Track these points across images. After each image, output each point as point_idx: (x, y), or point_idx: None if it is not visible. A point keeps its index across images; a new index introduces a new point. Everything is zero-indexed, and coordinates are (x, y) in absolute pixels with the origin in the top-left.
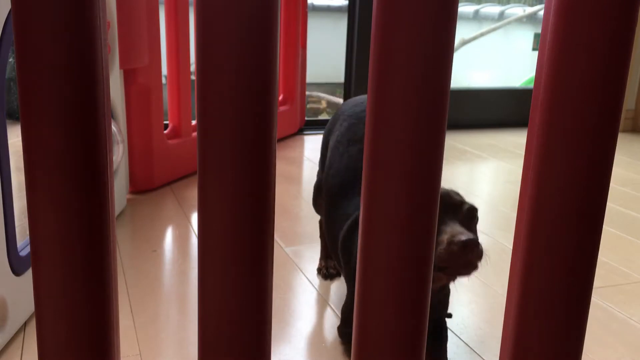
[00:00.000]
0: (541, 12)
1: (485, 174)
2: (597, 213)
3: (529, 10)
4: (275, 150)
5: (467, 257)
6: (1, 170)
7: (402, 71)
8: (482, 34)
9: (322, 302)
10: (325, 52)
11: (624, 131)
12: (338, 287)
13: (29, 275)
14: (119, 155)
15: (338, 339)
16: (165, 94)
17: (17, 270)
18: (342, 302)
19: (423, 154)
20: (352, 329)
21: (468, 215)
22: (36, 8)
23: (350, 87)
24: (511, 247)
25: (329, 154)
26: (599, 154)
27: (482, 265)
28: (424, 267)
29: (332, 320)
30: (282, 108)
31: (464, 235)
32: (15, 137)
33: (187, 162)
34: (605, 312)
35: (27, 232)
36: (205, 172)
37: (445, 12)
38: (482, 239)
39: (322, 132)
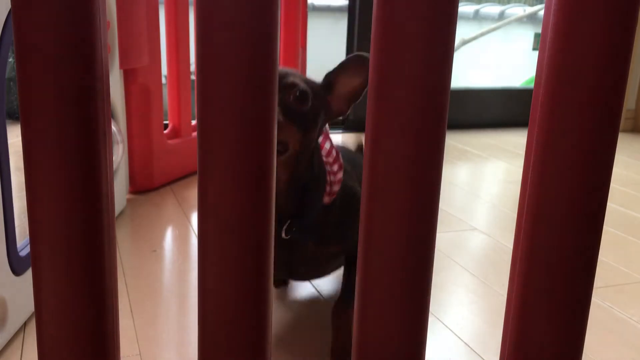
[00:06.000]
0: (541, 12)
1: (485, 174)
2: (597, 213)
3: (529, 10)
4: (275, 150)
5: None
6: (1, 170)
7: (402, 71)
8: (482, 34)
9: (323, 301)
10: (325, 52)
11: (624, 131)
12: (339, 287)
13: (29, 275)
14: (119, 155)
15: None
16: (165, 94)
17: (17, 270)
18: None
19: (423, 154)
20: None
21: (300, 97)
22: (36, 8)
23: None
24: (511, 247)
25: None
26: (599, 154)
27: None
28: (425, 267)
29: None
30: None
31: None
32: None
33: (187, 162)
34: (605, 312)
35: (27, 232)
36: (205, 172)
37: (445, 12)
38: (482, 238)
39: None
